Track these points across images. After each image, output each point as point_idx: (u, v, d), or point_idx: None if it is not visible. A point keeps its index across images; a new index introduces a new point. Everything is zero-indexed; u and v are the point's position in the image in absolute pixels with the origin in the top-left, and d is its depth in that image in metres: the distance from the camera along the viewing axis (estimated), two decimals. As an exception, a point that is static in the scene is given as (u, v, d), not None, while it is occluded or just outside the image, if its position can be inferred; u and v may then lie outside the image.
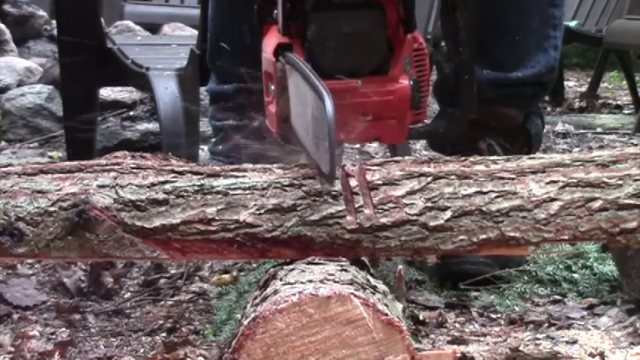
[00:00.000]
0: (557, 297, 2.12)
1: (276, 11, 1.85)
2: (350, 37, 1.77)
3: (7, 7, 5.10)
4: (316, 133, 1.43)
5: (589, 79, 6.19)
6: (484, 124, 2.29)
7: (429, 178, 1.46)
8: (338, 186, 1.46)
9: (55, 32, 3.98)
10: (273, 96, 1.80)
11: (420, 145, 3.84)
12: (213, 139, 2.61)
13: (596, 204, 1.45)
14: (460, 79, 2.01)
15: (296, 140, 1.64)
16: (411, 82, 1.82)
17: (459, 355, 1.72)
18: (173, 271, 2.33)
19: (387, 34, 1.82)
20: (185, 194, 1.44)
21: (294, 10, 1.81)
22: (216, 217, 1.43)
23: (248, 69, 1.98)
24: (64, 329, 1.96)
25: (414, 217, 1.43)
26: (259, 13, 1.93)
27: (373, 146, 4.07)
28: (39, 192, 1.45)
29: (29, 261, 2.28)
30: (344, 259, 1.42)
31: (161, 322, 2.00)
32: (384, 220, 1.43)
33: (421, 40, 1.92)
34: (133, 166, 1.49)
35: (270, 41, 1.84)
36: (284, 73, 1.74)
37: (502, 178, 1.47)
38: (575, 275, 2.21)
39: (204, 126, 3.93)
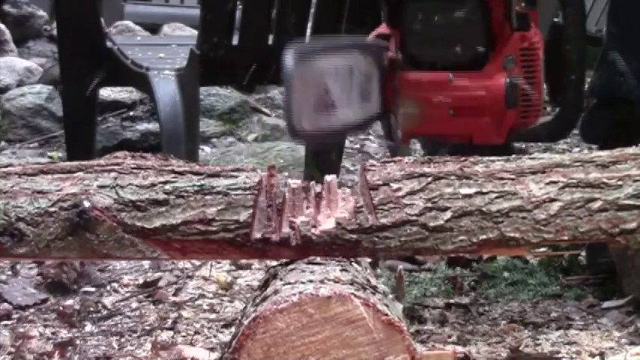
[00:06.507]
0: (557, 297, 2.12)
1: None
2: (444, 29, 1.73)
3: (7, 7, 5.10)
4: None
5: (589, 79, 6.19)
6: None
7: (429, 179, 1.46)
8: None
9: (55, 32, 3.97)
10: None
11: (419, 145, 3.83)
12: None
13: (596, 204, 1.45)
14: (567, 79, 1.96)
15: None
16: (507, 81, 1.77)
17: (459, 355, 1.72)
18: (173, 272, 2.33)
19: (487, 30, 1.77)
20: (185, 194, 1.44)
21: (395, 1, 1.79)
22: (217, 218, 1.43)
23: None
24: (64, 329, 1.97)
25: (414, 218, 1.43)
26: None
27: (373, 146, 4.07)
28: (39, 192, 1.45)
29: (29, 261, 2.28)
30: (344, 259, 1.42)
31: (161, 322, 2.00)
32: (384, 220, 1.43)
33: (535, 39, 1.87)
34: (133, 166, 1.49)
35: (374, 32, 1.84)
36: None
37: (502, 178, 1.47)
38: (575, 275, 2.21)
39: (204, 126, 3.94)
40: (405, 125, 1.85)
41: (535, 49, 1.88)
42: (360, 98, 1.72)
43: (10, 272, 2.26)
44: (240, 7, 2.95)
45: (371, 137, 4.15)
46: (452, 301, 2.10)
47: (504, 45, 1.80)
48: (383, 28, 1.83)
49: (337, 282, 1.29)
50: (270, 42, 2.97)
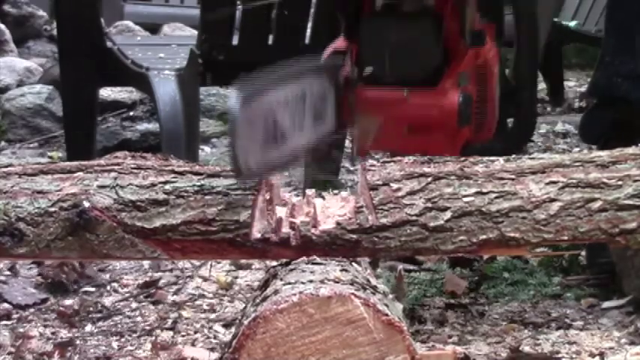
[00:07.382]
0: (557, 297, 2.12)
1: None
2: (398, 46, 1.73)
3: (7, 7, 5.10)
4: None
5: (589, 79, 6.18)
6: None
7: (429, 179, 1.46)
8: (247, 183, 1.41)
9: (55, 32, 3.98)
10: None
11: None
12: None
13: (596, 204, 1.45)
14: (519, 92, 1.95)
15: None
16: (461, 97, 1.77)
17: (459, 355, 1.72)
18: (173, 271, 2.33)
19: (441, 46, 1.77)
20: (185, 194, 1.44)
21: (352, 16, 1.78)
22: (217, 218, 1.43)
23: None
24: (64, 329, 1.97)
25: (414, 218, 1.43)
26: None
27: (373, 146, 4.06)
28: (39, 192, 1.45)
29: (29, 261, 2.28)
30: (344, 259, 1.42)
31: (161, 322, 2.00)
32: (384, 220, 1.43)
33: (489, 55, 1.86)
34: (133, 166, 1.49)
35: (331, 46, 1.83)
36: None
37: (502, 178, 1.47)
38: (575, 275, 2.21)
39: (204, 126, 3.94)
40: (360, 141, 1.84)
41: (489, 66, 1.87)
42: (314, 120, 1.69)
43: (10, 272, 2.26)
44: (240, 7, 2.95)
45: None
46: (452, 301, 2.10)
47: (459, 62, 1.80)
48: (340, 43, 1.82)
49: (337, 282, 1.29)
50: (270, 42, 2.97)
